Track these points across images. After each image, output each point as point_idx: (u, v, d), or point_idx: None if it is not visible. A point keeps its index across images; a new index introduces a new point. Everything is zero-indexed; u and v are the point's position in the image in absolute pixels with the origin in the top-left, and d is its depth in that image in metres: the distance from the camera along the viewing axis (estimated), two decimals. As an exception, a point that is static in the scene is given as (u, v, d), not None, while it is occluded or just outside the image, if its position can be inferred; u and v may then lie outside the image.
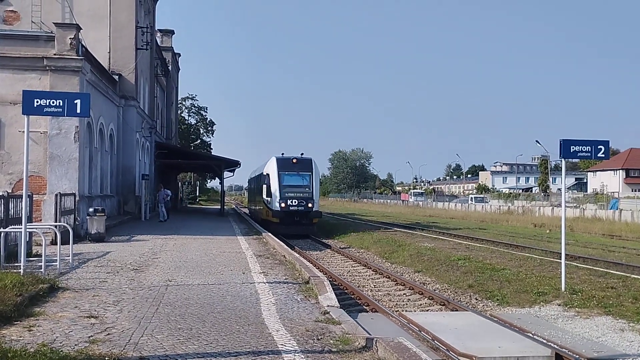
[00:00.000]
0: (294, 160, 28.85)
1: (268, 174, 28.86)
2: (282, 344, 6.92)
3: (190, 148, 69.65)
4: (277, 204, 27.56)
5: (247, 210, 59.00)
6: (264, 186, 29.15)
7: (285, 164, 28.72)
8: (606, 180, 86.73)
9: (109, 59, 28.72)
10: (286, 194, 27.70)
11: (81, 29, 21.19)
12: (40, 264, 11.33)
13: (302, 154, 29.60)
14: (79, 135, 20.04)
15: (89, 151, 23.09)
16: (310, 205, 27.78)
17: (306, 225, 28.15)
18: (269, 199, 28.49)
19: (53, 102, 10.13)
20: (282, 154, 29.75)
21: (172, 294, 9.78)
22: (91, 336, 6.98)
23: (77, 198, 19.01)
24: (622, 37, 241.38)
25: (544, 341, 9.35)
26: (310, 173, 28.71)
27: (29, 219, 13.11)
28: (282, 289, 10.62)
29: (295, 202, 27.53)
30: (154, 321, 7.83)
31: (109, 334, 7.13)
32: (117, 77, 28.36)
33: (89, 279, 11.05)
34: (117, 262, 13.50)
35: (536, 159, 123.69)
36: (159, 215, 29.37)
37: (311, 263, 15.72)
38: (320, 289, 10.35)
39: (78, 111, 10.27)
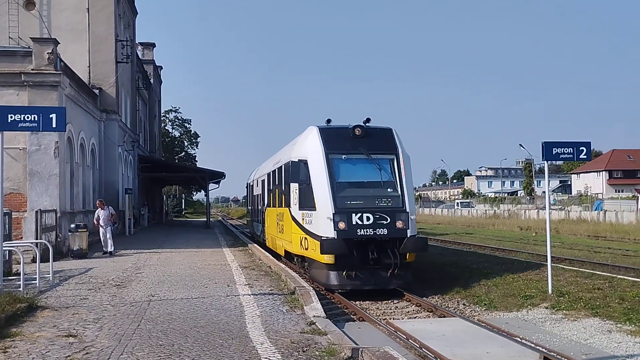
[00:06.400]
0: (357, 131, 14.42)
1: (304, 162, 14.45)
2: (266, 358, 6.76)
3: (175, 161, 69.26)
4: (330, 225, 13.27)
5: (235, 222, 58.58)
6: (293, 188, 15.00)
7: (339, 140, 14.43)
8: (590, 182, 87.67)
9: (89, 73, 28.51)
10: (347, 202, 13.61)
11: (59, 43, 20.99)
12: (19, 282, 11.07)
13: (367, 119, 14.84)
14: (59, 151, 19.78)
15: (70, 166, 22.78)
16: (399, 224, 13.45)
17: (393, 268, 13.40)
18: (306, 213, 14.19)
19: (28, 117, 9.92)
20: (329, 120, 15.22)
21: (155, 310, 9.58)
22: (69, 356, 6.78)
23: (58, 214, 18.73)
24: (603, 40, 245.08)
25: (532, 345, 9.27)
26: (393, 156, 14.43)
27: (9, 237, 12.86)
28: (268, 301, 10.47)
29: (368, 218, 13.32)
30: (135, 338, 7.64)
31: (87, 353, 6.93)
32: (97, 91, 28.12)
33: (70, 297, 10.82)
34: (99, 279, 13.27)
35: (520, 163, 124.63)
36: (102, 244, 19.60)
37: (297, 273, 15.55)
38: (306, 300, 10.21)
39: (54, 125, 10.08)
